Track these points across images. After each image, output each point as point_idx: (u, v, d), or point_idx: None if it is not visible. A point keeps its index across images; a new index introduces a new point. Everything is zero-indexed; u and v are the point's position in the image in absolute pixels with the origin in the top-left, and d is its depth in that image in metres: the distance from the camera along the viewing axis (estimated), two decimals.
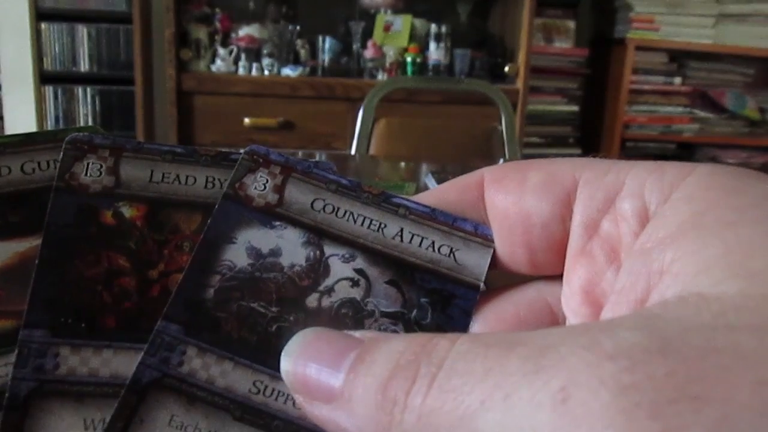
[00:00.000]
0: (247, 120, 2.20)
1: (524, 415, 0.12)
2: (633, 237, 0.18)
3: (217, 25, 2.26)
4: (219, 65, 2.24)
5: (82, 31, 2.20)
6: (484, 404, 0.13)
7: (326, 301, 0.20)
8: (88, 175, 0.21)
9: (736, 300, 0.13)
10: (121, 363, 0.19)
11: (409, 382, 0.14)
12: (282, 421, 0.19)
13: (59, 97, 2.24)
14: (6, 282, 0.20)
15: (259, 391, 0.19)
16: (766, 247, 0.14)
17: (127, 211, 0.21)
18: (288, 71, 2.26)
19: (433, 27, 2.37)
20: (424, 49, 2.37)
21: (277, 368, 0.18)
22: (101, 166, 0.21)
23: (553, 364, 0.13)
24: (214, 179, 0.21)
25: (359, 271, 0.21)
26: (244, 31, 2.26)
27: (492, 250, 0.21)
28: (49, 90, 2.23)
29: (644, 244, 0.17)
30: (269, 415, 0.19)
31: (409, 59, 2.32)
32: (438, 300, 0.21)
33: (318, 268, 0.21)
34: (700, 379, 0.12)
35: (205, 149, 0.22)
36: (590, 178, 0.20)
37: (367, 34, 2.36)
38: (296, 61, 2.33)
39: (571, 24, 2.61)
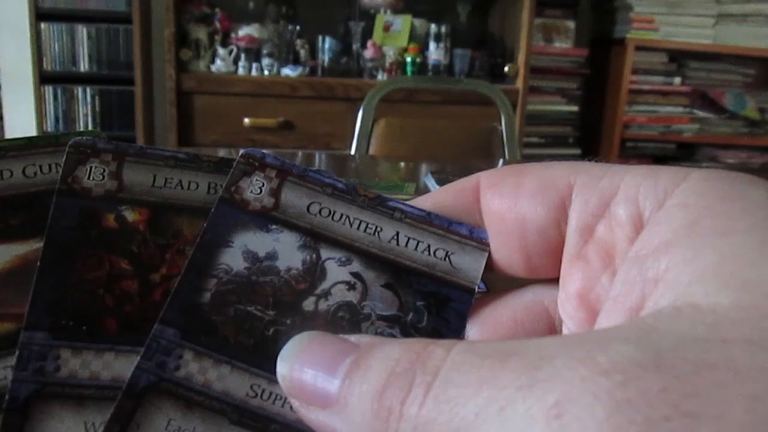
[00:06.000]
0: (246, 120, 2.20)
1: (518, 429, 0.12)
2: (628, 242, 0.18)
3: (217, 25, 2.26)
4: (219, 65, 2.24)
5: (82, 31, 2.20)
6: (479, 417, 0.13)
7: (323, 305, 0.20)
8: (91, 178, 0.21)
9: (730, 312, 0.13)
10: (123, 366, 0.19)
11: (404, 391, 0.14)
12: (279, 425, 0.19)
13: (59, 97, 2.24)
14: (6, 285, 0.20)
15: (256, 394, 0.19)
16: (760, 256, 0.14)
17: (130, 215, 0.21)
18: (288, 71, 2.26)
19: (433, 27, 2.37)
20: (423, 49, 2.37)
21: (275, 372, 0.18)
22: (104, 170, 0.21)
23: (547, 377, 0.13)
24: (216, 185, 0.21)
25: (355, 275, 0.21)
26: (244, 31, 2.26)
27: (487, 254, 0.22)
28: (48, 90, 2.23)
29: (639, 252, 0.17)
30: (266, 418, 0.19)
31: (408, 59, 2.32)
32: (434, 303, 0.21)
33: (314, 272, 0.21)
34: (694, 396, 0.11)
35: (207, 155, 0.22)
36: (585, 183, 0.20)
37: (367, 34, 2.36)
38: (296, 61, 2.33)
39: (571, 24, 2.60)
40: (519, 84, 2.32)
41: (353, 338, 0.17)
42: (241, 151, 0.22)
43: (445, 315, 0.21)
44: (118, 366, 0.19)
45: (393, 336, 0.20)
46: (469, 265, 0.21)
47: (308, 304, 0.20)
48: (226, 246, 0.20)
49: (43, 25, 2.18)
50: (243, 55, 2.25)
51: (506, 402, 0.13)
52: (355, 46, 2.36)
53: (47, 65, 2.21)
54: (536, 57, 2.45)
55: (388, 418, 0.14)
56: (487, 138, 1.67)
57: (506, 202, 0.21)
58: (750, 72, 2.74)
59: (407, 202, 0.22)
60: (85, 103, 2.26)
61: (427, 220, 0.22)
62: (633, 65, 2.56)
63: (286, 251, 0.21)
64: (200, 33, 2.23)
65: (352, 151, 1.54)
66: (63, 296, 0.20)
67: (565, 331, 0.20)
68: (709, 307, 0.13)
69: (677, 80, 2.67)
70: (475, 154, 1.65)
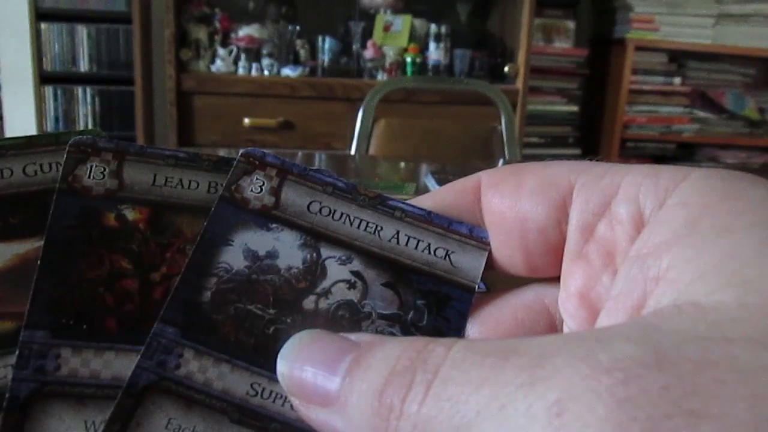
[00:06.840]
0: (246, 120, 2.20)
1: (519, 427, 0.12)
2: (628, 241, 0.18)
3: (217, 25, 2.26)
4: (219, 65, 2.24)
5: (82, 31, 2.20)
6: (480, 415, 0.13)
7: (323, 304, 0.20)
8: (92, 177, 0.21)
9: (731, 311, 0.13)
10: (123, 365, 0.19)
11: (404, 388, 0.14)
12: (279, 424, 0.19)
13: (59, 97, 2.24)
14: (6, 283, 0.20)
15: (256, 393, 0.19)
16: (761, 254, 0.14)
17: (130, 214, 0.21)
18: (288, 71, 2.26)
19: (433, 27, 2.37)
20: (423, 49, 2.37)
21: (275, 370, 0.18)
22: (104, 169, 0.21)
23: (548, 375, 0.13)
24: (216, 184, 0.22)
25: (356, 274, 0.21)
26: (244, 31, 2.26)
27: (487, 253, 0.22)
28: (48, 90, 2.23)
29: (640, 250, 0.17)
30: (267, 417, 0.19)
31: (408, 59, 2.32)
32: (434, 302, 0.21)
33: (315, 271, 0.21)
34: (695, 394, 0.11)
35: (207, 154, 0.22)
36: (586, 182, 0.20)
37: (367, 34, 2.36)
38: (296, 61, 2.33)
39: (571, 24, 2.60)
40: (519, 84, 2.32)
41: (353, 337, 0.17)
42: (241, 151, 0.22)
43: (445, 314, 0.21)
44: (119, 365, 0.19)
45: (393, 335, 0.20)
46: (470, 264, 0.22)
47: (308, 302, 0.20)
48: (226, 245, 0.21)
49: (43, 25, 2.18)
50: (243, 55, 2.25)
51: (507, 400, 0.13)
52: (355, 46, 2.36)
53: (47, 65, 2.21)
54: (536, 57, 2.45)
55: (388, 416, 0.14)
56: (487, 138, 1.67)
57: (507, 201, 0.21)
58: (750, 72, 2.74)
59: (408, 201, 0.22)
60: (85, 103, 2.26)
61: (428, 220, 0.22)
62: (633, 65, 2.56)
63: (287, 250, 0.21)
64: (200, 33, 2.22)
65: (352, 151, 1.54)
66: (63, 295, 0.20)
67: (565, 330, 0.20)
68: (711, 306, 0.13)
69: (677, 80, 2.67)
70: (475, 154, 1.65)
